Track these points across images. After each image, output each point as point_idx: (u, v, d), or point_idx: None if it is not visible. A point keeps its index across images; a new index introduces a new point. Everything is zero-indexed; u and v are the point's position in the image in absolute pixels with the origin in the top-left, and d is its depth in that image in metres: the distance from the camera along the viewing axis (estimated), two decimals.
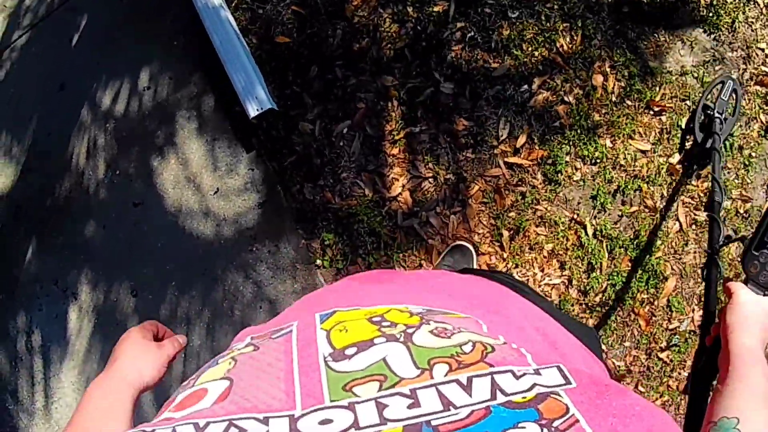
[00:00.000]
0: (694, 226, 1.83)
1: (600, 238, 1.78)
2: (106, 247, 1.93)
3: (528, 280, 1.77)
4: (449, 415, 0.37)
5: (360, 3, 1.86)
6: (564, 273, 1.78)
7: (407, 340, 0.46)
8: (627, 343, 1.83)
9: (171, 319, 1.87)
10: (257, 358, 0.48)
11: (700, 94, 1.81)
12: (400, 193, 1.76)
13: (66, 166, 1.99)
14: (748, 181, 1.85)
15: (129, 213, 1.90)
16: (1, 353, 2.08)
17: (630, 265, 1.79)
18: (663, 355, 1.84)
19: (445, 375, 0.41)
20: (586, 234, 1.77)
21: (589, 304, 1.79)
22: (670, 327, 1.83)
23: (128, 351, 0.70)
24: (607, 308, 1.80)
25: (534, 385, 0.40)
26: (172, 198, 1.86)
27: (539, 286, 1.77)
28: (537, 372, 0.42)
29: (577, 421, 0.36)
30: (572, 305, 1.78)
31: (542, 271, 1.77)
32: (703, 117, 1.76)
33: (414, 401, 0.39)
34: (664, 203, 1.81)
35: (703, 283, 1.01)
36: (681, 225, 1.81)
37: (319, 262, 1.78)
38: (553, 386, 0.40)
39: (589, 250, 1.77)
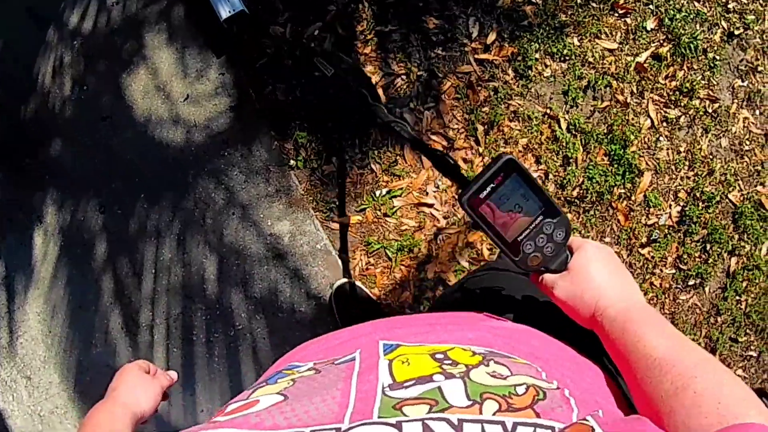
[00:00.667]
0: (665, 123, 1.86)
1: (574, 132, 1.79)
2: (73, 166, 1.87)
3: None
4: None
5: None
6: (540, 167, 1.78)
7: (464, 375, 0.46)
8: (607, 239, 1.82)
9: (140, 233, 1.81)
10: (317, 380, 0.49)
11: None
12: (375, 86, 1.76)
13: (32, 87, 1.94)
14: (714, 82, 1.90)
15: (97, 128, 1.85)
16: None
17: (605, 159, 1.80)
18: (644, 252, 1.83)
19: (494, 414, 0.41)
20: (560, 128, 1.79)
21: (568, 198, 1.78)
22: (649, 223, 1.84)
23: (127, 381, 0.77)
24: (585, 202, 1.80)
25: None
26: (141, 108, 1.82)
27: None
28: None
29: None
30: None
31: None
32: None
33: (458, 431, 0.39)
34: (635, 99, 1.84)
35: None
36: (652, 121, 1.84)
37: (292, 162, 1.75)
38: None
39: (564, 144, 1.78)
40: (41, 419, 1.94)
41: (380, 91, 1.76)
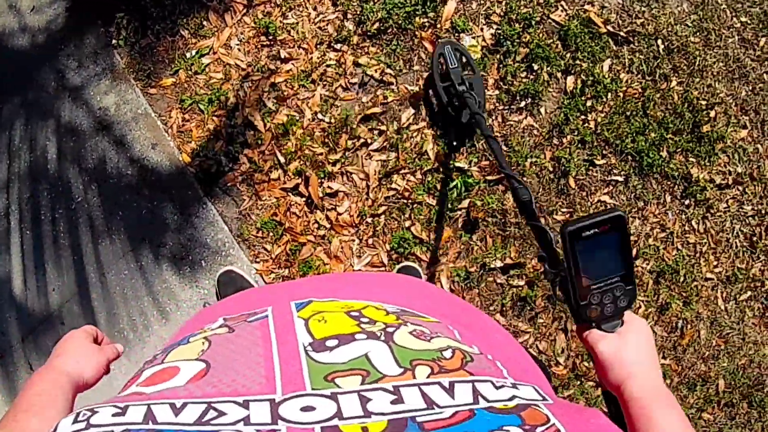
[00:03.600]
0: None
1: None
2: None
3: (303, 20, 1.84)
4: (433, 413, 0.38)
5: None
6: (337, 8, 1.86)
7: (388, 339, 0.47)
8: (416, 67, 1.84)
9: None
10: (233, 341, 0.49)
11: (426, 78, 1.77)
12: None
13: None
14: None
15: None
16: None
17: None
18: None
19: (427, 377, 0.42)
20: None
21: (368, 32, 1.83)
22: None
23: (71, 349, 0.74)
24: (388, 35, 1.83)
25: (513, 396, 0.41)
26: None
27: (315, 24, 1.84)
28: (514, 386, 0.44)
29: (558, 430, 0.37)
30: (351, 36, 1.83)
31: (315, 10, 1.86)
32: (448, 96, 1.71)
33: (397, 397, 0.40)
34: None
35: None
36: None
37: (114, 42, 1.92)
38: (531, 400, 0.41)
39: None
40: None
41: None
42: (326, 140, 1.79)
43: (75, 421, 0.37)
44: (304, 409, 0.38)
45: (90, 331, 0.79)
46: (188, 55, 1.86)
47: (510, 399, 0.40)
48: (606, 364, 0.67)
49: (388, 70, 1.82)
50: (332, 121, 1.79)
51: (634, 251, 1.87)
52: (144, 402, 0.38)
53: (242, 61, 1.83)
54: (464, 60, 1.74)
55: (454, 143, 1.80)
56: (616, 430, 0.40)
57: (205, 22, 1.88)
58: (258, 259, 1.81)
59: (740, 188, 1.94)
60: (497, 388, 0.41)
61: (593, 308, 0.69)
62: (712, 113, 1.92)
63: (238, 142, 1.81)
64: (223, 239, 1.82)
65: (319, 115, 1.79)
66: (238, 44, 1.85)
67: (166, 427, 0.36)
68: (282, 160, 1.78)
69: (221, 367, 0.43)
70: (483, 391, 0.40)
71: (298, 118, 1.80)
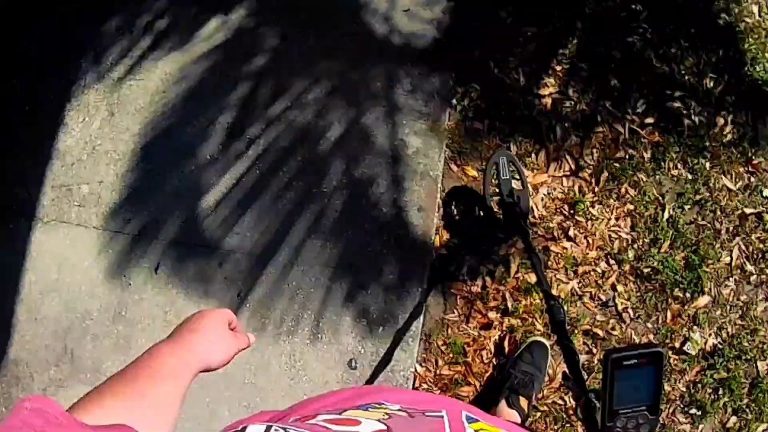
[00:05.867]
0: (739, 271, 2.06)
1: (670, 226, 2.01)
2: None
3: (603, 220, 1.96)
4: None
5: None
6: (632, 233, 1.98)
7: None
8: (649, 324, 1.97)
9: (301, 67, 2.00)
10: (413, 424, 0.55)
11: (482, 191, 1.85)
12: (544, 97, 2.03)
13: None
14: None
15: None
16: None
17: (683, 261, 2.00)
18: (671, 356, 1.96)
19: None
20: (662, 216, 2.01)
21: (639, 270, 1.96)
22: (688, 335, 1.98)
23: (208, 329, 0.73)
24: (649, 283, 1.97)
25: None
26: None
27: (609, 230, 1.96)
28: None
29: None
30: (626, 262, 1.95)
31: (616, 220, 1.98)
32: (500, 209, 1.83)
33: None
34: (727, 236, 2.07)
35: None
36: (731, 261, 2.06)
37: (454, 102, 1.98)
38: None
39: (659, 228, 1.99)
40: (93, 151, 2.01)
41: (549, 101, 2.03)
42: (548, 324, 1.88)
43: None
44: None
45: (229, 317, 0.78)
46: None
47: None
48: None
49: (630, 311, 1.94)
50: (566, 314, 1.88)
51: None
52: None
53: (538, 210, 1.92)
54: (516, 174, 1.83)
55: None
56: None
57: (533, 155, 1.97)
58: (423, 365, 1.85)
59: None
60: None
61: (617, 430, 0.75)
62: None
63: (487, 268, 1.87)
64: (412, 326, 1.86)
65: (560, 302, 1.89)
66: (545, 194, 1.94)
67: None
68: (509, 308, 1.86)
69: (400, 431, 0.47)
70: None
71: None
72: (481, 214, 1.91)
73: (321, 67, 2.01)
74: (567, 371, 0.92)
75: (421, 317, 1.87)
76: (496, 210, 1.87)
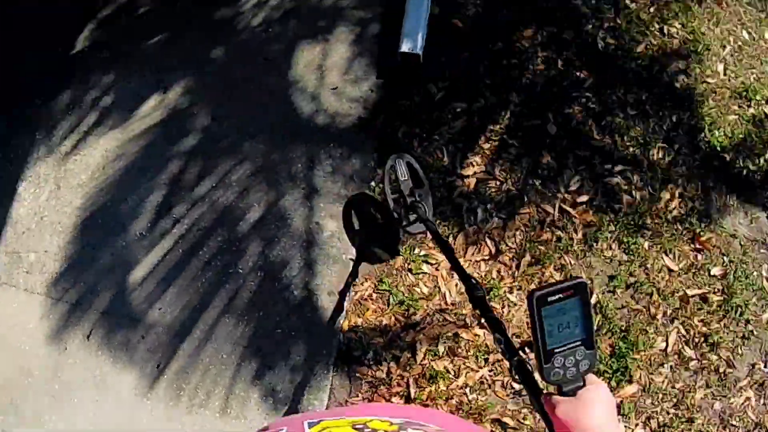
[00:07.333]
0: (677, 357, 1.93)
1: (597, 311, 1.91)
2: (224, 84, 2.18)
3: (521, 307, 1.89)
4: None
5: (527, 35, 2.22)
6: None
7: None
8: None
9: (228, 148, 2.06)
10: None
11: (381, 189, 1.87)
12: (468, 177, 1.98)
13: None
14: (740, 352, 1.97)
15: (256, 64, 2.18)
16: None
17: (608, 349, 1.90)
18: None
19: None
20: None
21: None
22: None
23: None
24: None
25: None
26: (297, 72, 2.13)
27: (526, 317, 1.88)
28: None
29: None
30: None
31: None
32: (402, 207, 1.79)
33: None
34: (663, 320, 1.94)
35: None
36: (667, 347, 1.93)
37: (372, 185, 1.97)
38: None
39: None
40: (40, 221, 2.15)
41: (473, 181, 1.98)
42: (455, 412, 1.83)
43: None
44: None
45: None
46: (417, 251, 1.91)
47: None
48: (565, 425, 0.69)
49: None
50: (473, 402, 1.83)
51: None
52: None
53: (451, 296, 1.88)
54: (414, 170, 1.79)
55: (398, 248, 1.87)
56: None
57: (451, 238, 1.92)
58: None
59: None
60: None
61: (556, 371, 0.73)
62: None
63: (392, 354, 1.85)
64: (315, 407, 1.87)
65: (468, 390, 1.83)
66: (458, 280, 1.89)
67: None
68: (412, 395, 1.83)
69: None
70: None
71: (451, 377, 1.84)
72: (381, 218, 1.90)
73: (246, 148, 2.06)
74: (498, 335, 0.95)
75: (326, 399, 1.87)
76: (397, 213, 1.81)
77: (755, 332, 1.99)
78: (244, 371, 1.91)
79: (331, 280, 1.91)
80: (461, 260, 1.91)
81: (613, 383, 1.87)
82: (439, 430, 0.63)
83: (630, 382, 1.88)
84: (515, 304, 1.89)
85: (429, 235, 1.45)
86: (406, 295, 1.88)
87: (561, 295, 0.71)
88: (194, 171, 2.07)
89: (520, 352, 0.92)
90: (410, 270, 1.90)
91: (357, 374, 1.87)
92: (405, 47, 2.02)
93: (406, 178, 1.76)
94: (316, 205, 1.96)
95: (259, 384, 1.90)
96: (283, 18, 2.25)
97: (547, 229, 1.95)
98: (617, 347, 1.88)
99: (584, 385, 0.74)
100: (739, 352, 1.96)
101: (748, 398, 1.95)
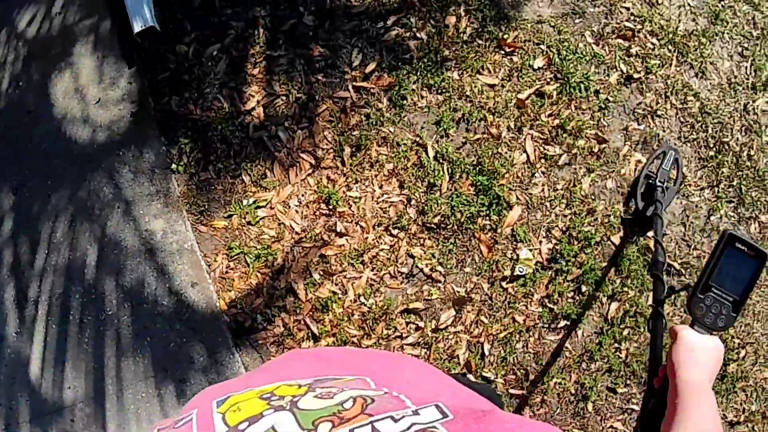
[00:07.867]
0: (543, 160, 1.86)
1: (441, 160, 1.83)
2: None
3: (367, 197, 1.82)
4: None
5: None
6: (403, 192, 1.83)
7: (293, 407, 0.52)
8: (468, 269, 1.83)
9: (41, 212, 2.00)
10: None
11: (643, 164, 1.86)
12: (254, 108, 1.89)
13: None
14: (605, 123, 1.89)
15: (21, 120, 2.09)
16: None
17: (471, 189, 1.83)
18: (507, 286, 1.82)
19: (329, 431, 0.48)
20: (427, 156, 1.83)
21: (427, 224, 1.81)
22: (515, 257, 1.82)
23: None
24: (446, 230, 1.82)
25: (412, 424, 0.47)
26: (60, 107, 2.05)
27: (378, 203, 1.82)
28: (416, 413, 0.49)
29: None
30: (410, 224, 1.81)
31: (381, 188, 1.83)
32: (644, 186, 1.81)
33: None
34: (511, 134, 1.86)
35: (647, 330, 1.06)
36: (528, 156, 1.85)
37: (174, 166, 1.90)
38: (430, 422, 0.47)
39: (429, 171, 1.82)
40: None
41: (261, 110, 1.89)
42: (363, 324, 1.80)
43: None
44: None
45: None
46: (245, 202, 1.84)
47: (408, 428, 0.46)
48: (679, 358, 0.75)
49: (439, 267, 1.81)
50: (373, 307, 1.79)
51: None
52: None
53: (297, 224, 1.82)
54: (676, 168, 1.80)
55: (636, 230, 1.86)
56: (523, 424, 0.47)
57: (268, 173, 1.85)
58: None
59: (749, 425, 1.98)
60: (396, 420, 0.47)
61: (700, 305, 0.79)
62: (743, 352, 1.93)
63: (277, 306, 1.81)
64: None
65: (362, 299, 1.79)
66: (297, 205, 1.82)
67: None
68: (316, 332, 1.80)
69: None
70: (382, 428, 0.46)
71: (340, 296, 1.80)
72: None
73: (55, 202, 1.99)
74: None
75: None
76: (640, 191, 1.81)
77: (610, 98, 1.90)
78: (167, 396, 1.90)
79: (187, 273, 1.87)
80: (288, 187, 1.84)
81: (494, 217, 1.81)
82: (355, 378, 0.63)
83: (509, 207, 1.82)
84: (360, 198, 1.83)
85: (654, 230, 1.45)
86: (258, 247, 1.83)
87: (746, 249, 0.78)
88: (24, 249, 2.02)
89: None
90: (249, 222, 1.84)
91: (259, 342, 1.84)
92: (137, 27, 1.91)
93: (667, 169, 1.75)
94: (137, 215, 1.90)
95: (184, 399, 1.89)
96: (24, 67, 2.15)
97: (352, 113, 1.87)
98: (478, 183, 1.81)
99: (711, 335, 0.79)
100: (604, 123, 1.88)
101: (638, 161, 1.88)
